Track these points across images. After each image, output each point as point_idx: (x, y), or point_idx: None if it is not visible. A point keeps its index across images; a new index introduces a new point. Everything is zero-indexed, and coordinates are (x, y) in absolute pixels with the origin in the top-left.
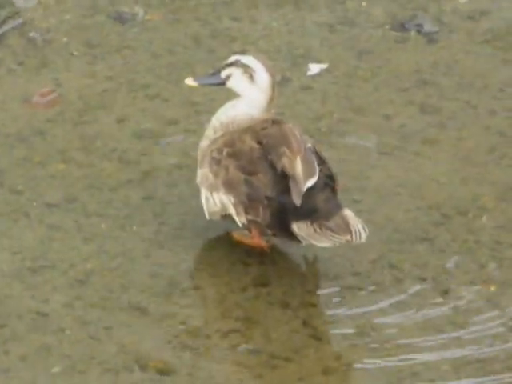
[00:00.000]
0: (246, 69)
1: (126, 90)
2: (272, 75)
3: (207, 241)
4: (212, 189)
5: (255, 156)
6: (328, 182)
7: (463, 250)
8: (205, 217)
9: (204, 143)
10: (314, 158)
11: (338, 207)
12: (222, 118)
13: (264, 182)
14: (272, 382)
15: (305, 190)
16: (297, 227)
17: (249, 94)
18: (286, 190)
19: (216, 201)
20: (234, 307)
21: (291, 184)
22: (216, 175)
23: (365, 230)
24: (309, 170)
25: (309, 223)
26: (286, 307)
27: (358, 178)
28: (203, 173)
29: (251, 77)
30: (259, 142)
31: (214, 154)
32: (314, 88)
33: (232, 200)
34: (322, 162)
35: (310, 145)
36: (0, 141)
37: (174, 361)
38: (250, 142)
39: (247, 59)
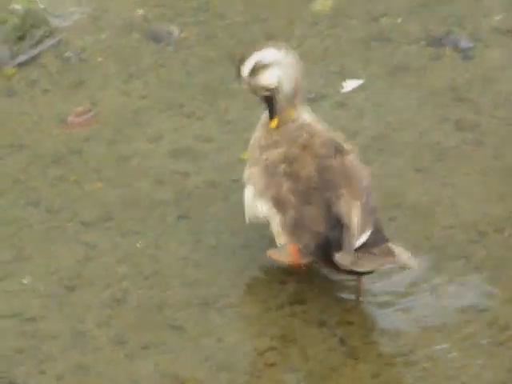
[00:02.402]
0: None
1: (161, 108)
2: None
3: (243, 259)
4: (260, 195)
5: (312, 186)
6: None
7: (500, 267)
8: (241, 235)
9: (253, 139)
10: (370, 206)
11: (384, 240)
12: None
13: (315, 216)
14: None
15: (356, 246)
16: (340, 257)
17: None
18: (335, 226)
19: (261, 208)
20: (271, 325)
21: (344, 234)
22: (267, 187)
23: (414, 260)
24: (365, 222)
25: (353, 253)
26: (322, 325)
27: (394, 195)
28: (253, 175)
29: None
30: (319, 172)
31: (269, 164)
32: (349, 105)
33: (278, 219)
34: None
35: (366, 182)
36: (36, 160)
37: (210, 379)
38: (309, 169)
39: None
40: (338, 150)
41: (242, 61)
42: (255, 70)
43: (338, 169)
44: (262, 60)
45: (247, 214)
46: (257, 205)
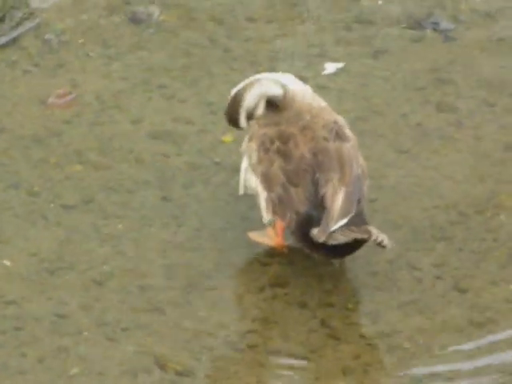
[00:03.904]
0: None
1: (141, 90)
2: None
3: (225, 241)
4: (253, 167)
5: (302, 167)
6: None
7: (481, 248)
8: (222, 217)
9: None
10: (356, 195)
11: (364, 222)
12: None
13: (300, 198)
14: (290, 382)
15: (331, 230)
16: (316, 232)
17: None
18: (317, 207)
19: (252, 180)
20: (252, 307)
21: (324, 216)
22: (259, 162)
23: (389, 240)
24: (346, 209)
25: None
26: (303, 307)
27: (375, 176)
28: (251, 148)
29: None
30: (313, 153)
31: (265, 140)
32: (330, 87)
33: (265, 194)
34: (361, 186)
35: (360, 171)
36: (16, 142)
37: (192, 362)
38: (303, 149)
39: None
40: (338, 135)
41: (232, 119)
42: (248, 116)
43: (334, 153)
44: (248, 105)
45: (241, 184)
46: (249, 178)
